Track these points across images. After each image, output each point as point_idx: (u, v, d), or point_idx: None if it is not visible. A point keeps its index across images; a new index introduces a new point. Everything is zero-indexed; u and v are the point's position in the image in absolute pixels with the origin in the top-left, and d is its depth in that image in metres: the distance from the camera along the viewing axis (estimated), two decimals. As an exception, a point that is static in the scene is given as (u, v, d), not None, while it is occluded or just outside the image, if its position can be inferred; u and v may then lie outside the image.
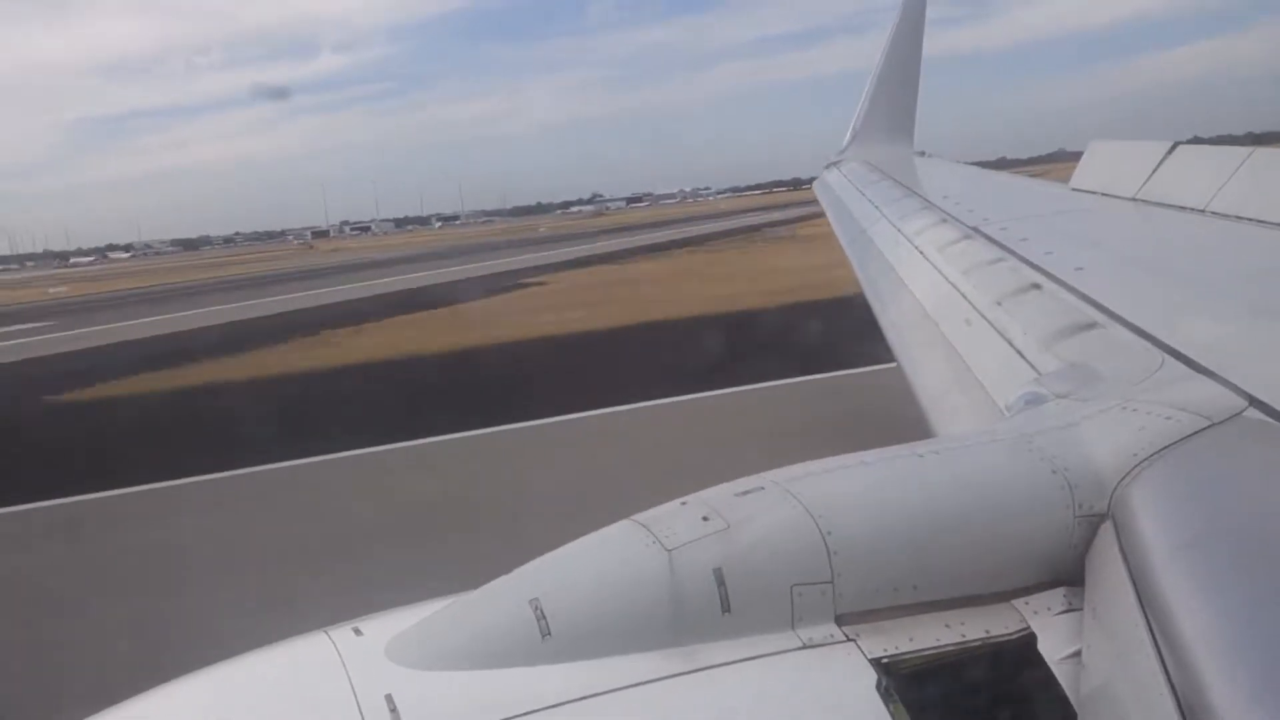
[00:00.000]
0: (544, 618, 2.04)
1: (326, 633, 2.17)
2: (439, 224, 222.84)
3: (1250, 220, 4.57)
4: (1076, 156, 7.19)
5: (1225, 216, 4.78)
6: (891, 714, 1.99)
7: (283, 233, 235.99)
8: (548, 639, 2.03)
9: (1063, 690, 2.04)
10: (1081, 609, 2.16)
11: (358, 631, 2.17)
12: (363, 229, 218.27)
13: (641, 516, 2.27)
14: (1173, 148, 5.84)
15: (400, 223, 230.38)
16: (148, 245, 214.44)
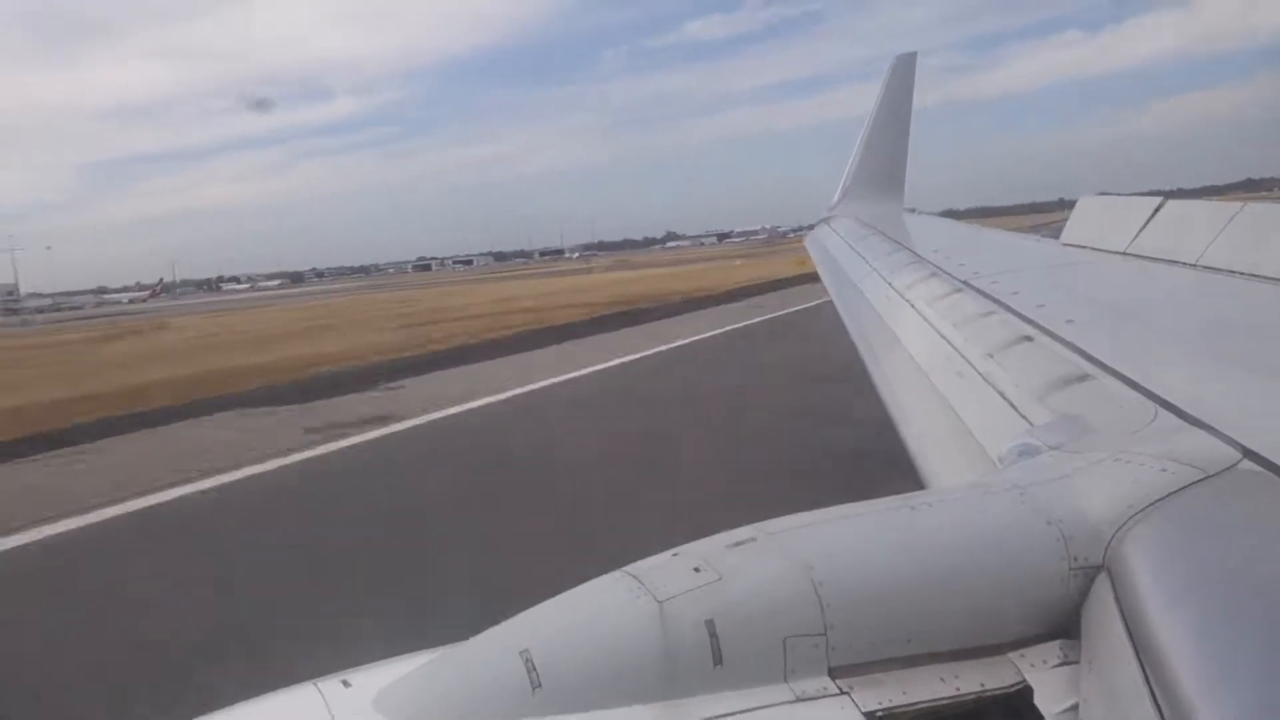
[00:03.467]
0: (534, 669, 2.01)
1: (315, 685, 2.15)
2: (539, 256, 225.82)
3: (1242, 274, 4.61)
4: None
5: (1217, 270, 4.82)
6: None
7: (371, 267, 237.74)
8: (538, 691, 2.00)
9: None
10: (1078, 662, 2.14)
11: (346, 684, 2.14)
12: (465, 263, 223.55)
13: (633, 567, 2.25)
14: (1162, 203, 5.92)
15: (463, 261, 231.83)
16: (250, 278, 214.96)
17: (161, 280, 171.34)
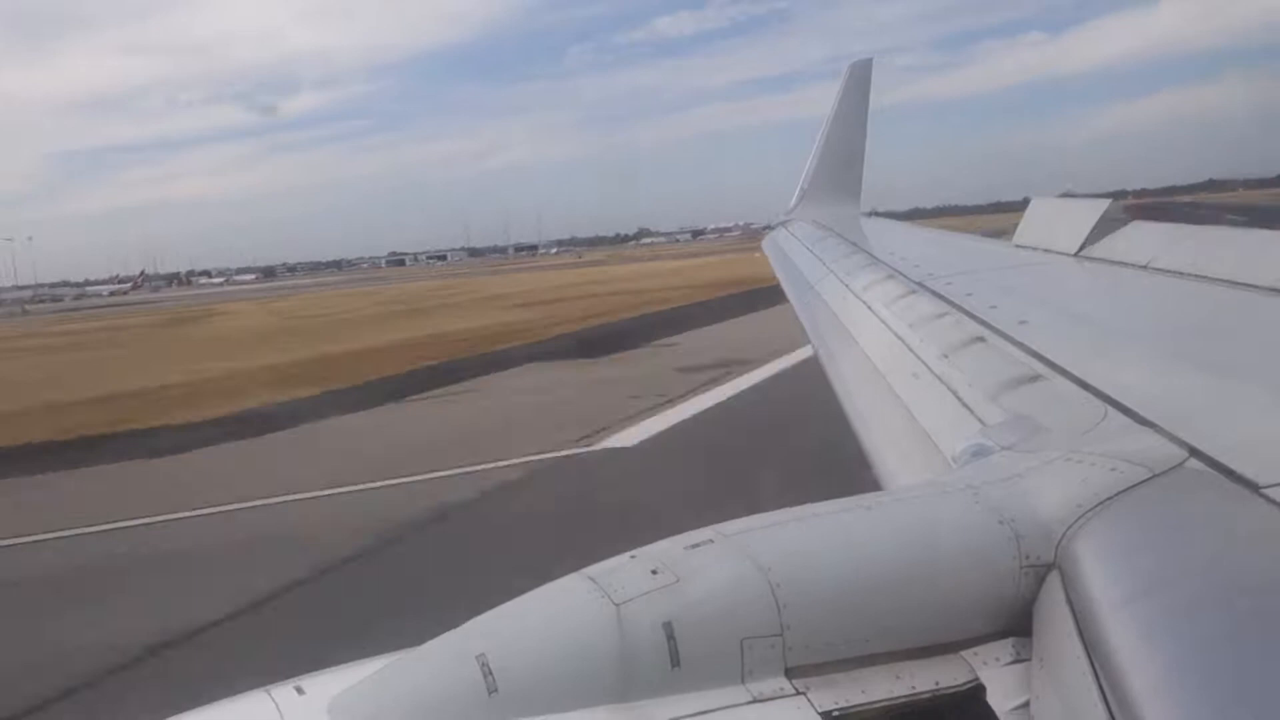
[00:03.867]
0: (490, 673, 2.00)
1: (268, 691, 2.12)
2: (514, 252, 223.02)
3: (1191, 276, 4.69)
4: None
5: (1166, 272, 4.90)
6: None
7: (344, 262, 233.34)
8: (494, 695, 1.98)
9: None
10: (1030, 659, 2.16)
11: (300, 690, 2.12)
12: (439, 258, 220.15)
13: (590, 570, 2.24)
14: (1110, 204, 6.02)
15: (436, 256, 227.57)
16: (222, 272, 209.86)
17: (143, 272, 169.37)
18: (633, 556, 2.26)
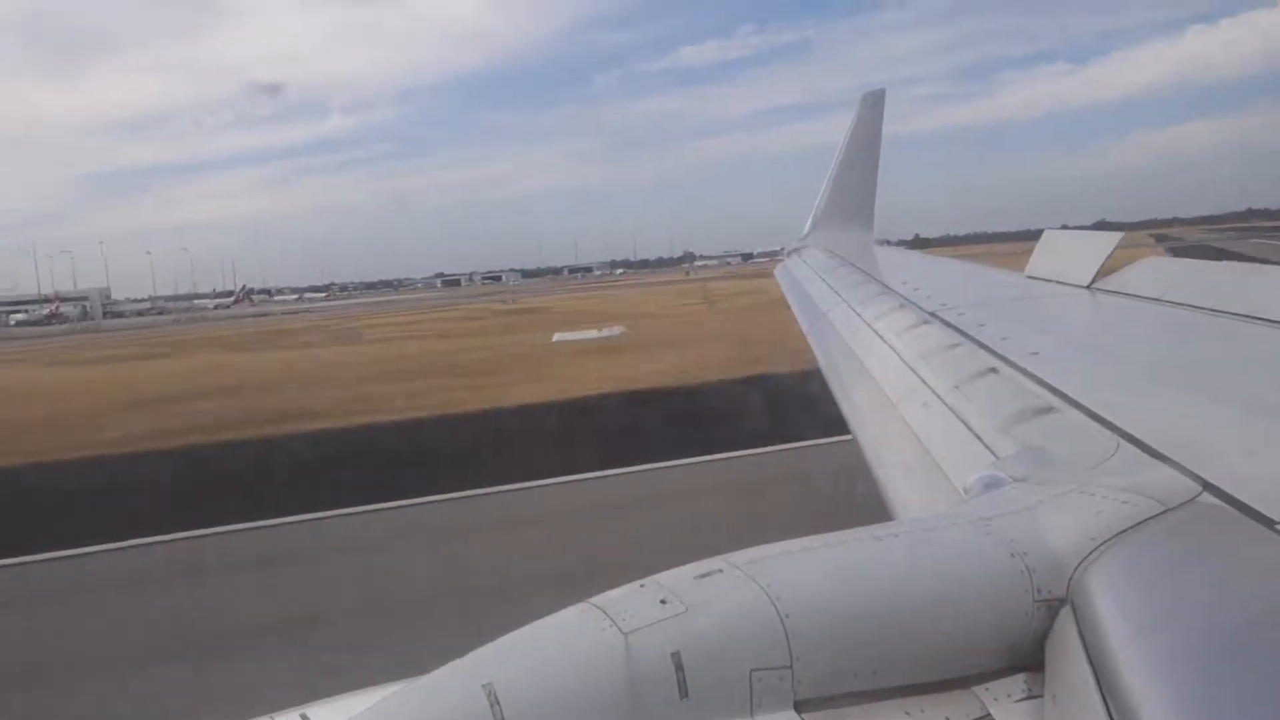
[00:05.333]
0: (498, 703, 1.99)
1: (272, 718, 2.11)
2: (569, 273, 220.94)
3: (1204, 309, 4.68)
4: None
5: (1179, 305, 4.89)
6: None
7: (396, 282, 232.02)
8: None
9: None
10: (1042, 695, 2.14)
11: (304, 718, 2.11)
12: (494, 278, 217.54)
13: (598, 599, 2.23)
14: (1122, 238, 6.03)
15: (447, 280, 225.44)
16: (344, 286, 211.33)
17: (245, 287, 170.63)
18: (641, 585, 2.25)
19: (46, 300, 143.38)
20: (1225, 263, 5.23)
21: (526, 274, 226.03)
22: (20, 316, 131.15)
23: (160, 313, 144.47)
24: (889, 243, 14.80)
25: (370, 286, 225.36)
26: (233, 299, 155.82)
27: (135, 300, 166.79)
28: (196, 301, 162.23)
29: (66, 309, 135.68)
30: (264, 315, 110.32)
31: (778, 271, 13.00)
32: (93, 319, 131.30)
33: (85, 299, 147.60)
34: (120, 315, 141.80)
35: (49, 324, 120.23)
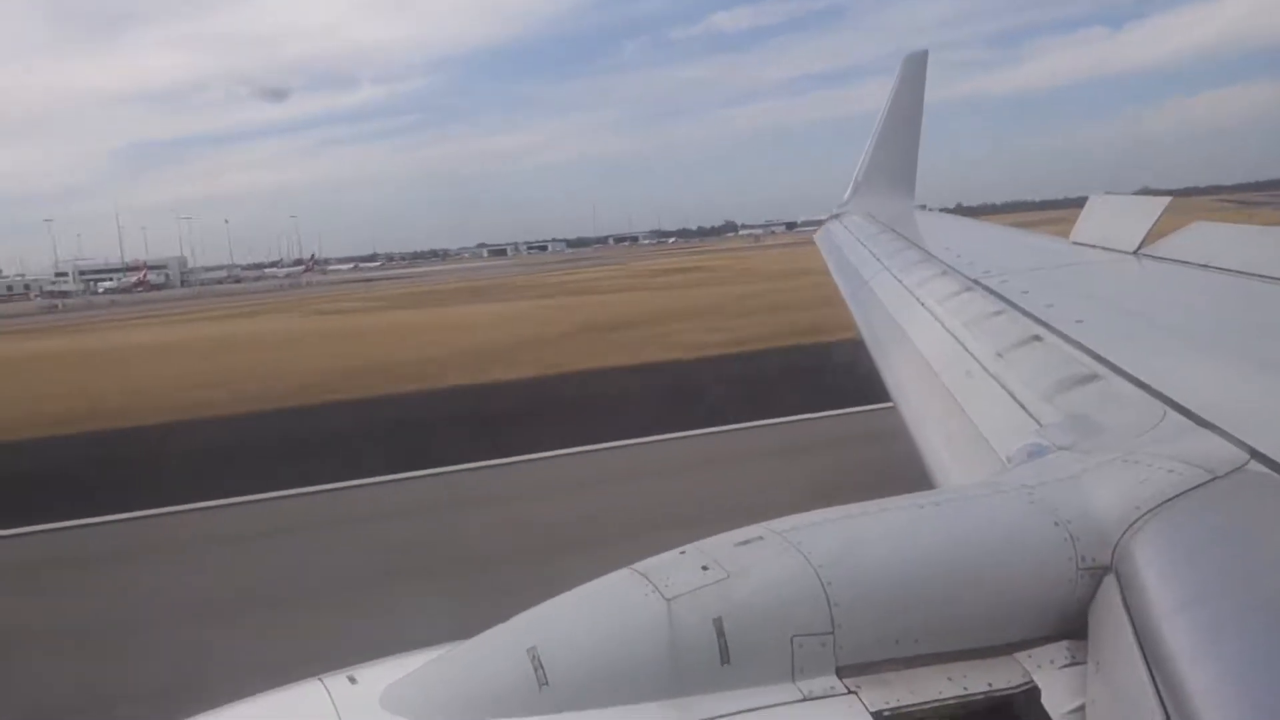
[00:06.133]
0: (541, 667, 2.02)
1: (321, 680, 2.15)
2: (615, 242, 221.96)
3: (1252, 276, 4.60)
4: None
5: (1226, 271, 4.81)
6: None
7: (441, 252, 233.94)
8: (545, 689, 2.00)
9: None
10: (1085, 662, 2.14)
11: (353, 680, 2.15)
12: (540, 248, 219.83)
13: (641, 565, 2.25)
14: (1170, 202, 5.91)
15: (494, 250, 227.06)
16: (389, 256, 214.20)
17: (314, 256, 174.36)
18: (683, 552, 2.27)
19: (130, 269, 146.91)
20: (1275, 228, 5.10)
21: (571, 244, 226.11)
22: (109, 284, 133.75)
23: (236, 280, 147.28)
24: (928, 208, 14.58)
25: (419, 256, 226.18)
26: (303, 268, 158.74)
27: (208, 269, 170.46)
28: (266, 270, 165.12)
29: (152, 276, 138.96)
30: (352, 282, 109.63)
31: (817, 236, 12.87)
32: (172, 286, 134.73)
33: (164, 267, 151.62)
34: (199, 283, 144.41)
35: (136, 291, 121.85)
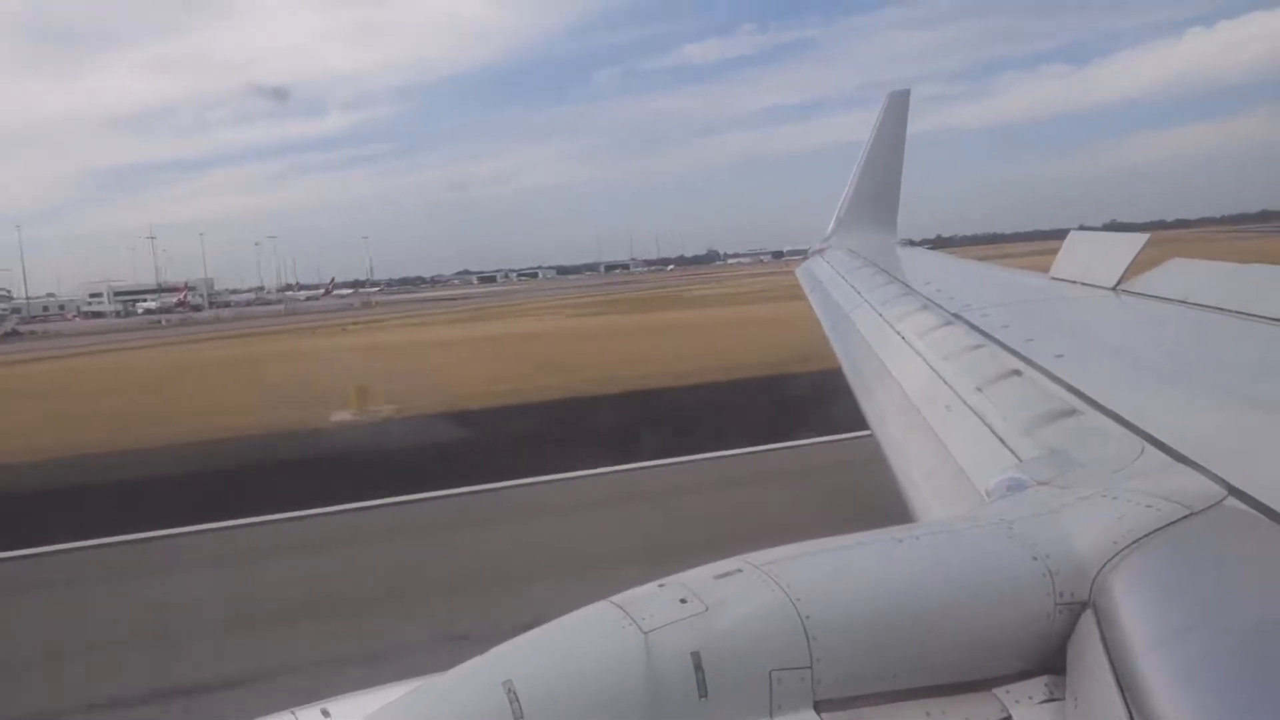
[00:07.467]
0: (517, 700, 1.99)
1: (294, 713, 2.12)
2: (606, 270, 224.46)
3: (1230, 312, 4.64)
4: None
5: (1206, 307, 4.85)
6: None
7: (432, 279, 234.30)
8: None
9: None
10: (1064, 698, 2.13)
11: (326, 714, 2.12)
12: (530, 275, 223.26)
13: (618, 598, 2.23)
14: (1148, 239, 5.97)
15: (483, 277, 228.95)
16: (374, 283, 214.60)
17: (333, 280, 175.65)
18: (661, 585, 2.26)
19: (165, 290, 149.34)
20: (1253, 265, 5.15)
21: (561, 270, 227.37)
22: (150, 305, 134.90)
23: (264, 303, 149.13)
24: (912, 243, 14.69)
25: (407, 282, 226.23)
26: (323, 291, 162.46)
27: (234, 291, 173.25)
28: (287, 294, 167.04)
29: (191, 298, 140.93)
30: (370, 305, 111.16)
31: (799, 271, 12.92)
32: (202, 307, 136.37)
33: (194, 289, 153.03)
34: (227, 305, 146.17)
35: (177, 312, 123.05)
